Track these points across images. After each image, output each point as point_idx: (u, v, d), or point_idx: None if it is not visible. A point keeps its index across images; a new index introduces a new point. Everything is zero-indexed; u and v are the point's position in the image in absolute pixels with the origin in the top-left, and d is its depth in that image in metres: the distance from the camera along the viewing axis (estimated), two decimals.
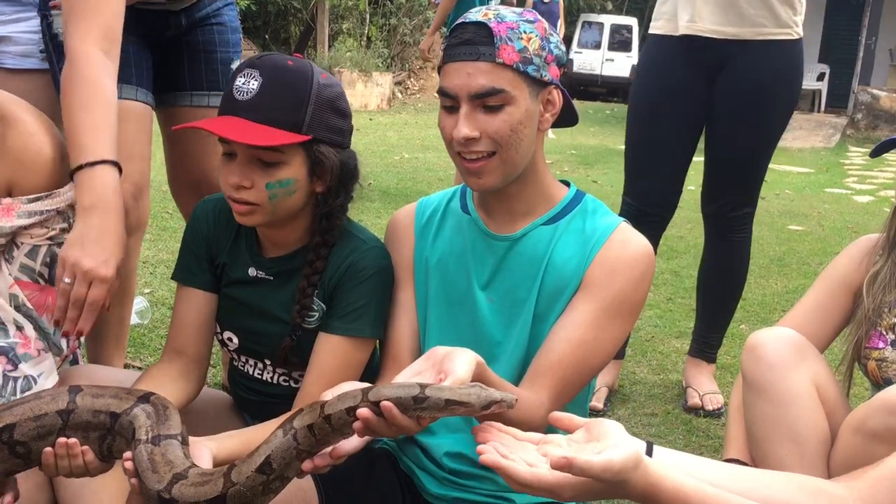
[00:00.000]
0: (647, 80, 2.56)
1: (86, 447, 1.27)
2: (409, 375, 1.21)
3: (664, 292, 3.86)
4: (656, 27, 2.54)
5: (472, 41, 1.38)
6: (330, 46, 13.34)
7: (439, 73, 1.45)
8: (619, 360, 2.76)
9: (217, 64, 2.16)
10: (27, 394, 1.39)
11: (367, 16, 13.73)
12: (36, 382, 1.55)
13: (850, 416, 1.49)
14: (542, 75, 1.41)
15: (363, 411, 1.11)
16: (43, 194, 1.55)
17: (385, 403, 1.10)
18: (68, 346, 1.65)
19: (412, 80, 14.38)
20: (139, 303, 3.02)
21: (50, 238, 1.57)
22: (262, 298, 1.57)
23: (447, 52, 1.41)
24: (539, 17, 1.45)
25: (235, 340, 1.63)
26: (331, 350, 1.52)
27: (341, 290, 1.52)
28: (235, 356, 1.67)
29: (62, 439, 1.25)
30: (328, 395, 1.19)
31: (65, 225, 1.57)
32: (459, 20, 1.42)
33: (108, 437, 1.27)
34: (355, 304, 1.51)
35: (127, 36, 1.77)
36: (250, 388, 1.70)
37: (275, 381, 1.64)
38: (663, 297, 3.81)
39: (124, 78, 1.88)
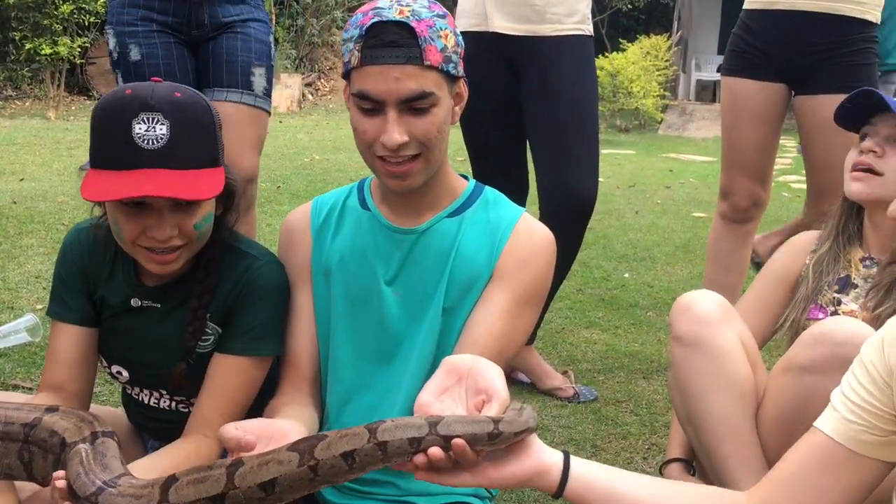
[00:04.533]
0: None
1: None
2: (435, 392, 1.12)
3: (574, 283, 3.90)
4: (461, 24, 2.57)
5: (396, 43, 1.32)
6: None
7: (348, 75, 1.39)
8: (530, 346, 2.77)
9: (237, 65, 2.35)
10: None
11: (274, 17, 13.50)
12: None
13: (777, 364, 1.56)
14: (458, 71, 1.40)
15: (435, 451, 1.03)
16: None
17: (458, 441, 1.03)
18: None
19: (322, 80, 14.20)
20: (29, 319, 2.86)
21: None
22: (150, 328, 1.50)
23: (366, 53, 1.34)
24: (444, 10, 1.41)
25: (125, 374, 1.56)
26: (229, 370, 1.46)
27: (238, 310, 1.47)
28: (128, 386, 1.60)
29: None
30: (231, 428, 1.13)
31: None
32: (375, 18, 1.34)
33: (59, 462, 1.18)
34: (254, 322, 1.46)
35: (164, 35, 2.22)
36: (146, 416, 1.63)
37: (172, 408, 1.58)
38: (573, 288, 3.85)
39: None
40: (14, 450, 1.23)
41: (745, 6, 2.60)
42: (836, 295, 1.75)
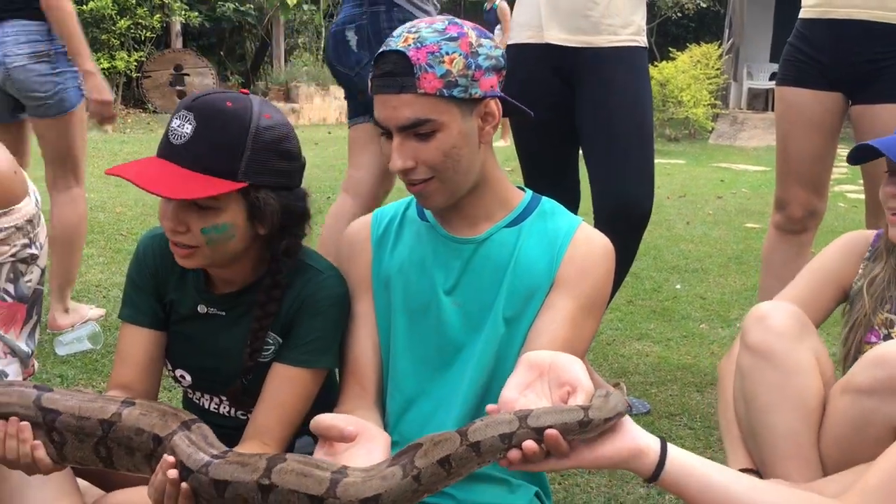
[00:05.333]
0: (511, 90, 2.60)
1: (38, 441, 1.23)
2: (518, 388, 1.13)
3: (624, 295, 3.87)
4: (517, 37, 2.58)
5: (392, 73, 1.36)
6: (286, 61, 13.25)
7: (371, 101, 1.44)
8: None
9: None
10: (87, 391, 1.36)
11: (323, 30, 13.67)
12: (7, 377, 1.55)
13: (835, 385, 1.53)
14: (471, 94, 1.39)
15: (529, 444, 1.04)
16: (0, 211, 1.52)
17: (552, 432, 1.03)
18: (30, 362, 1.63)
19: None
20: (91, 327, 2.96)
21: (13, 255, 1.54)
22: (215, 335, 1.53)
23: (373, 82, 1.40)
24: (464, 30, 1.39)
25: (188, 378, 1.60)
26: (285, 380, 1.48)
27: (298, 322, 1.49)
28: (190, 391, 1.64)
29: (14, 418, 1.22)
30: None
31: (26, 241, 1.55)
32: (384, 47, 1.38)
33: (153, 457, 1.22)
34: (313, 335, 1.49)
35: None
36: (206, 421, 1.64)
37: (232, 415, 1.61)
38: (623, 299, 3.82)
39: None
40: (89, 444, 1.23)
41: (801, 15, 2.56)
42: (889, 315, 1.71)
